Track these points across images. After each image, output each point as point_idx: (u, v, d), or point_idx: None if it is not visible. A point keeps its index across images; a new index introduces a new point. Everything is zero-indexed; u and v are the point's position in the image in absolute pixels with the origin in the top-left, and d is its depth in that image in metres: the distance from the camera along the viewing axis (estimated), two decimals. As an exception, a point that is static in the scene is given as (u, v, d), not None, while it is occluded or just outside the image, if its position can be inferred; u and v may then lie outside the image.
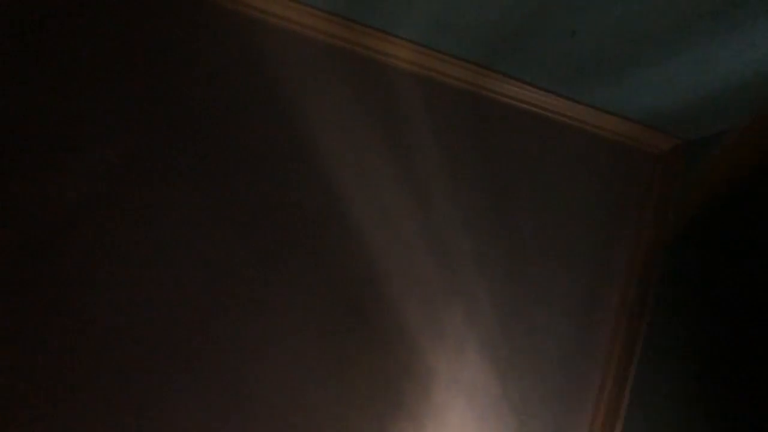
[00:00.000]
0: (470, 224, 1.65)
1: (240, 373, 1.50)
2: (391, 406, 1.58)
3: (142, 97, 1.49)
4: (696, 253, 1.56)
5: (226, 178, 1.52)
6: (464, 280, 1.64)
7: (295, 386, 1.53)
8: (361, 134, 1.60)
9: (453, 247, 1.64)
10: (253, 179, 1.53)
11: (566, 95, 1.67)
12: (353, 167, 1.59)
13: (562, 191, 1.71)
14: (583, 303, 1.71)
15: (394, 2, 1.42)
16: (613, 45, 1.32)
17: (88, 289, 1.43)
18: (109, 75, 1.48)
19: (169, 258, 1.48)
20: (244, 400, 1.50)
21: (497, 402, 1.64)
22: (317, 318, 1.55)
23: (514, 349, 1.66)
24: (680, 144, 1.75)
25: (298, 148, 1.56)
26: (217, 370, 1.49)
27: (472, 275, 1.64)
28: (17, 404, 1.38)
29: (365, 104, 1.61)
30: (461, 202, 1.65)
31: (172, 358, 1.47)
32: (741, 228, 1.44)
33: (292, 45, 1.57)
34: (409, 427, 1.58)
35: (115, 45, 1.48)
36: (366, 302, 1.58)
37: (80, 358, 1.42)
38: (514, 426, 1.64)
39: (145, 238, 1.47)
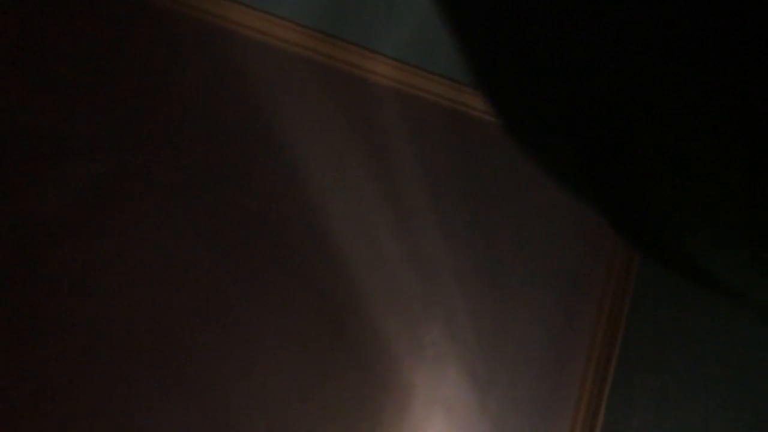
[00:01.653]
0: (450, 240, 1.66)
1: (218, 389, 1.49)
2: (369, 421, 1.58)
3: (123, 111, 1.48)
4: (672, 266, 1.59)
5: (207, 193, 1.52)
6: (443, 296, 1.65)
7: (274, 402, 1.52)
8: (342, 150, 1.60)
9: (433, 263, 1.65)
10: (232, 194, 1.53)
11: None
12: (334, 183, 1.59)
13: (541, 207, 1.73)
14: (561, 317, 1.73)
15: (374, 18, 1.43)
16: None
17: (67, 305, 1.41)
18: (91, 89, 1.47)
19: (150, 273, 1.47)
20: (222, 415, 1.49)
21: (476, 417, 1.65)
22: (296, 334, 1.55)
23: (493, 364, 1.67)
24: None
25: (279, 164, 1.56)
26: (195, 386, 1.48)
27: (452, 290, 1.65)
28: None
29: (346, 120, 1.61)
30: (441, 218, 1.66)
31: (151, 373, 1.45)
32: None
33: (272, 60, 1.57)
34: (388, 443, 1.58)
35: (96, 59, 1.47)
36: (346, 318, 1.58)
37: (59, 371, 1.40)
38: (492, 441, 1.65)
39: (125, 254, 1.46)
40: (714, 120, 0.22)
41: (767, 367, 1.31)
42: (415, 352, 1.62)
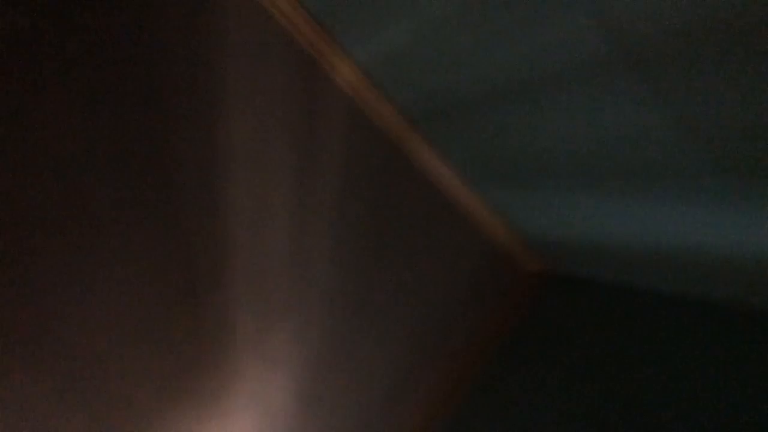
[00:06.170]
0: (339, 259, 1.65)
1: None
2: (187, 396, 1.52)
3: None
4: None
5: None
6: (303, 304, 1.63)
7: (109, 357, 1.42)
8: (275, 134, 1.54)
9: (311, 268, 1.62)
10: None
11: (470, 183, 1.72)
12: (255, 162, 1.52)
13: (429, 266, 1.77)
14: (412, 353, 1.79)
15: (359, 18, 1.36)
16: (533, 158, 1.34)
17: None
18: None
19: None
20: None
21: (296, 426, 1.66)
22: (147, 295, 1.46)
23: (327, 382, 1.69)
24: (545, 270, 1.87)
25: (205, 123, 1.47)
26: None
27: (314, 303, 1.64)
28: None
29: (292, 105, 1.55)
30: (338, 232, 1.64)
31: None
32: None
33: (250, 25, 1.47)
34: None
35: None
36: (203, 292, 1.51)
37: None
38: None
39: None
40: None
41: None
42: (257, 347, 1.59)
